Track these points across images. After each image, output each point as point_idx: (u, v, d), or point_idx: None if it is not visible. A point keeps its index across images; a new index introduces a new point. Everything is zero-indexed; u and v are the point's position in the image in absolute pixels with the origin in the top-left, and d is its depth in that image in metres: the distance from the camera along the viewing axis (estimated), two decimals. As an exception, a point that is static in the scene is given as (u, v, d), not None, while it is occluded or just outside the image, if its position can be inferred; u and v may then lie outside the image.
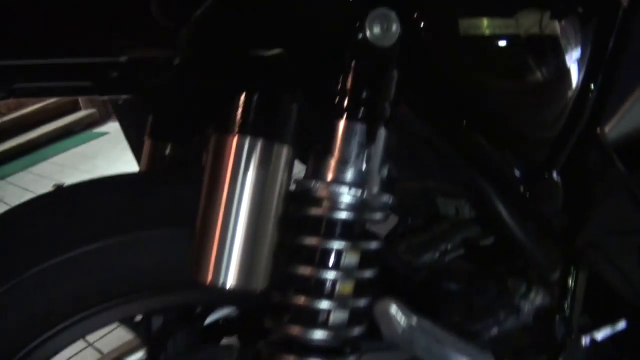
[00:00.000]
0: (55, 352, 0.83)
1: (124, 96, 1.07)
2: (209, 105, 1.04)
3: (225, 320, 1.21)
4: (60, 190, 0.87)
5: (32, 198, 0.85)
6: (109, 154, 5.26)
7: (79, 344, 2.46)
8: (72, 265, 0.77)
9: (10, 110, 6.42)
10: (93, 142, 6.00)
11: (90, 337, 2.50)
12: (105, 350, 2.45)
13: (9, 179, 5.28)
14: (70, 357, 2.39)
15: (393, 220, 1.28)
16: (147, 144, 1.17)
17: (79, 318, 0.81)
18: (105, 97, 1.07)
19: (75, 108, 6.66)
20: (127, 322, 1.00)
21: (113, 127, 6.38)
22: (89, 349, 2.46)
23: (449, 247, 1.14)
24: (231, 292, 0.86)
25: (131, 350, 1.25)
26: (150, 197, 0.85)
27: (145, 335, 0.99)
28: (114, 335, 2.37)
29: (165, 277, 0.84)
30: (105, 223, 0.81)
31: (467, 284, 1.08)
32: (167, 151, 1.16)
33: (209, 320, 1.15)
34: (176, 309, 0.95)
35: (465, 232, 1.14)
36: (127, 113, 1.31)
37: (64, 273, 0.77)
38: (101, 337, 2.48)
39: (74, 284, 0.78)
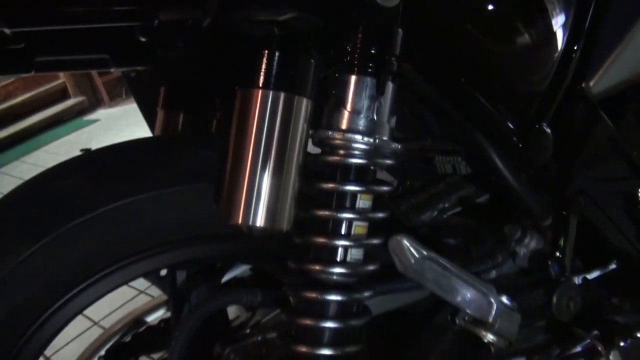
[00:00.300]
0: (88, 305, 0.88)
1: (138, 68, 1.13)
2: (226, 70, 1.10)
3: (240, 279, 1.28)
4: (87, 153, 0.93)
5: (62, 161, 0.91)
6: (102, 141, 5.29)
7: (85, 323, 2.51)
8: (102, 222, 0.83)
9: (0, 101, 6.41)
10: (84, 130, 6.02)
11: (95, 316, 2.55)
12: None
13: (3, 169, 5.29)
14: (77, 336, 2.44)
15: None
16: (160, 114, 1.23)
17: (109, 272, 0.87)
18: (122, 69, 1.13)
19: (64, 96, 6.67)
20: (152, 277, 1.06)
21: (103, 114, 6.41)
22: (95, 328, 2.51)
23: (446, 205, 1.21)
24: (251, 244, 0.93)
25: (153, 308, 1.32)
26: (171, 157, 0.91)
27: (170, 289, 1.06)
28: (119, 314, 2.43)
29: (189, 232, 0.90)
30: (131, 181, 0.86)
31: (465, 237, 1.15)
32: (180, 121, 1.22)
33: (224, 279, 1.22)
34: (199, 263, 1.01)
35: (461, 191, 1.20)
36: (141, 85, 1.36)
37: (94, 229, 0.82)
38: (107, 316, 2.53)
39: (103, 239, 0.84)
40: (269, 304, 0.90)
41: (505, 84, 0.99)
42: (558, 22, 0.96)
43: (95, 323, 2.53)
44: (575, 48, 1.01)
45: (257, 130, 0.74)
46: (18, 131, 6.03)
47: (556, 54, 0.99)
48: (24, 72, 0.90)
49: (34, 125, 6.18)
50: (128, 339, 1.25)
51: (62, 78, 6.66)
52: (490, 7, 0.92)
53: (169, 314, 1.31)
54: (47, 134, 6.10)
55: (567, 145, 1.06)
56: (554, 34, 0.97)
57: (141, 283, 2.58)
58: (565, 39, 0.98)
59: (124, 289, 2.49)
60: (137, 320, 1.31)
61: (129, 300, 2.59)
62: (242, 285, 1.23)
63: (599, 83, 1.05)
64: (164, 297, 1.35)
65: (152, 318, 1.33)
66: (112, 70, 0.98)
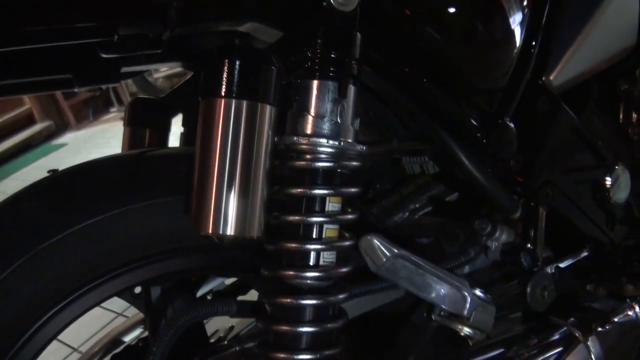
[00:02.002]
0: (64, 327, 0.87)
1: (103, 86, 1.13)
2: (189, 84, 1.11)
3: (216, 292, 1.28)
4: (55, 174, 0.92)
5: (30, 184, 0.90)
6: (71, 164, 5.22)
7: (64, 351, 2.48)
8: (72, 242, 0.82)
9: (-34, 131, 6.33)
10: (53, 154, 5.96)
11: (75, 342, 2.52)
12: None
13: (-28, 199, 5.20)
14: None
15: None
16: (126, 131, 1.23)
17: (82, 292, 0.86)
18: (87, 88, 1.13)
19: (31, 122, 6.60)
20: (127, 295, 1.05)
21: (71, 138, 6.36)
22: (75, 354, 2.48)
23: (417, 205, 1.22)
24: (225, 255, 0.93)
25: (130, 327, 1.31)
26: (138, 172, 0.91)
27: (146, 307, 1.05)
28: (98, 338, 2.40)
29: (161, 246, 0.89)
30: (99, 199, 0.86)
31: (438, 235, 1.16)
32: (147, 136, 1.23)
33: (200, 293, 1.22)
34: (173, 277, 1.00)
35: (431, 190, 1.22)
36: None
37: (65, 250, 0.82)
38: (86, 341, 2.50)
39: (74, 260, 0.83)
40: (245, 313, 0.90)
41: (466, 80, 1.01)
42: (515, 19, 0.99)
43: (74, 350, 2.49)
44: (534, 43, 1.04)
45: (222, 139, 0.74)
46: (-15, 160, 5.96)
47: (515, 50, 1.01)
48: (-16, 97, 0.89)
49: (2, 153, 6.10)
50: (107, 360, 1.24)
51: (27, 103, 6.59)
52: (447, 5, 0.94)
53: (146, 333, 1.30)
54: (15, 161, 6.03)
55: (531, 138, 1.08)
56: (511, 31, 0.99)
57: (118, 305, 2.56)
58: (523, 35, 1.01)
59: (101, 312, 2.46)
60: (114, 341, 1.30)
61: (107, 324, 2.56)
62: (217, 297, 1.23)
63: (559, 76, 1.07)
64: (141, 316, 1.34)
65: (130, 338, 1.32)
66: (76, 89, 0.97)
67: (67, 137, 6.43)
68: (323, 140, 0.77)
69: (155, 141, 1.23)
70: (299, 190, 0.80)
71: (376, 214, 1.21)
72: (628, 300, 1.22)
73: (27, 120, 6.64)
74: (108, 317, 2.56)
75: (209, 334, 1.22)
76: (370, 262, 0.84)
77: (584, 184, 1.17)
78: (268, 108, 0.77)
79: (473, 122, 1.02)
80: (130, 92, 6.17)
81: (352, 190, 0.82)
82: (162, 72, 5.48)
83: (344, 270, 0.82)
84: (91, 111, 6.71)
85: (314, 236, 0.80)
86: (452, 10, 0.95)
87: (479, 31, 0.99)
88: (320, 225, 0.80)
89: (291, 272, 0.80)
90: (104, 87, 1.14)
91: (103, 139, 5.91)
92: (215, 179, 0.75)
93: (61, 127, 6.64)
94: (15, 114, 6.53)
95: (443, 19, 0.95)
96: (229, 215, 0.75)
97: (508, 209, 1.10)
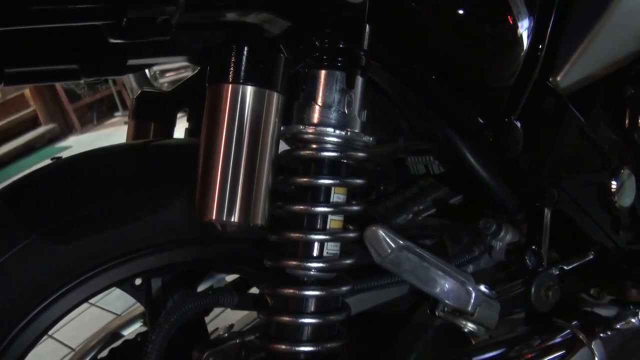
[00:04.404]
0: (64, 314, 0.87)
1: (108, 78, 1.12)
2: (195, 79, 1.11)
3: (217, 288, 1.27)
4: (59, 161, 0.92)
5: (34, 169, 0.90)
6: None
7: (63, 350, 2.47)
8: (74, 229, 0.82)
9: (-31, 132, 6.34)
10: (56, 157, 5.97)
11: (73, 343, 2.51)
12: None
13: (-27, 200, 5.20)
14: None
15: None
16: (131, 124, 1.23)
17: (83, 279, 0.85)
18: (92, 80, 1.13)
19: (35, 124, 6.62)
20: (127, 286, 1.04)
21: (74, 141, 6.36)
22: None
23: (421, 207, 1.21)
24: (227, 248, 0.93)
25: (130, 321, 1.30)
26: (143, 162, 0.91)
27: (146, 298, 1.04)
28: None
29: (163, 237, 0.89)
30: (103, 187, 0.86)
31: (441, 237, 1.15)
32: (151, 130, 1.23)
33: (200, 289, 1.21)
34: (174, 269, 0.99)
35: (435, 193, 1.21)
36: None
37: (67, 237, 0.82)
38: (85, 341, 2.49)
39: (76, 246, 0.83)
40: (247, 305, 0.89)
41: (474, 79, 1.01)
42: (523, 20, 0.99)
43: (73, 350, 2.49)
44: (542, 44, 1.04)
45: (228, 125, 0.74)
46: (-12, 162, 5.96)
47: (523, 50, 1.01)
48: (-6, 85, 0.88)
49: (5, 155, 6.11)
50: (104, 354, 1.22)
51: (32, 106, 6.61)
52: (456, 4, 0.94)
53: (145, 328, 1.30)
54: (18, 163, 6.03)
55: (538, 138, 1.07)
56: (519, 31, 0.99)
57: (118, 306, 2.55)
58: (531, 35, 1.00)
59: (101, 313, 2.45)
60: (113, 335, 1.29)
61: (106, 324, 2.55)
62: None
63: (566, 77, 1.07)
64: (139, 311, 1.33)
65: (129, 332, 1.31)
66: (82, 80, 0.97)
67: (71, 141, 6.44)
68: (330, 130, 0.76)
69: (160, 135, 1.23)
70: (304, 179, 0.79)
71: (380, 215, 1.21)
72: (632, 307, 1.20)
73: (32, 122, 6.65)
74: (108, 318, 2.56)
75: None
76: (374, 253, 0.83)
77: (590, 186, 1.16)
78: (275, 95, 0.76)
79: (480, 120, 1.01)
80: (135, 96, 6.18)
81: (358, 181, 0.82)
82: (168, 76, 5.49)
83: (348, 262, 0.81)
84: (95, 115, 6.72)
85: (318, 226, 0.79)
86: (460, 9, 0.95)
87: (487, 30, 0.99)
88: (325, 215, 0.79)
89: (294, 262, 0.79)
90: (109, 78, 1.14)
91: (107, 142, 5.90)
92: (221, 164, 0.74)
93: (65, 131, 6.66)
94: (19, 116, 6.55)
95: (451, 17, 0.95)
96: (233, 202, 0.75)
97: (513, 209, 1.09)
